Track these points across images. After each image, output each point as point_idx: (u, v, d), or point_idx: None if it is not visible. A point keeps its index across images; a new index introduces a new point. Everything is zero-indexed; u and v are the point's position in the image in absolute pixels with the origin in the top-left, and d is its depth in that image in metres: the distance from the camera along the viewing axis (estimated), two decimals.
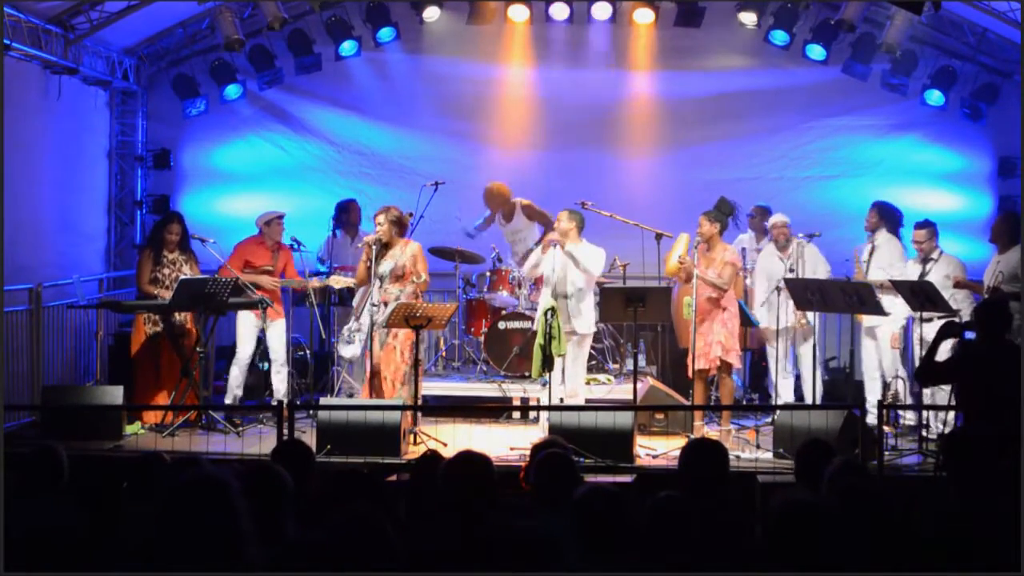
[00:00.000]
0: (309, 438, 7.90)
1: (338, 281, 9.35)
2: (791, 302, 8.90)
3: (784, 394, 9.37)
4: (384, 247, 8.81)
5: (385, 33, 11.38)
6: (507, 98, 11.82)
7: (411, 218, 10.10)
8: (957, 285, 8.85)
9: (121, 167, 11.84)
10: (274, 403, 8.99)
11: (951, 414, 8.08)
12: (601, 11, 11.11)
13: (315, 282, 9.41)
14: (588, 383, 9.51)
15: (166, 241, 9.09)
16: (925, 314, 8.46)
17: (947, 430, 8.13)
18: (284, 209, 9.83)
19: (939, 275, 8.80)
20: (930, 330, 7.67)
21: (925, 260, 9.00)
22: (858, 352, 9.31)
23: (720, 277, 8.66)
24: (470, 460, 4.37)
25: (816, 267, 9.28)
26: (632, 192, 11.35)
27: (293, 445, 5.14)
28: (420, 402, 8.70)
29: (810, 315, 9.16)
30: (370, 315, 8.67)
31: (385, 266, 8.77)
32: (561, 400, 8.55)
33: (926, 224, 9.09)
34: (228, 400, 9.33)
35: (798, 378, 9.66)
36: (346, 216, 10.66)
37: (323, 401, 8.76)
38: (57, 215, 10.65)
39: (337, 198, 11.01)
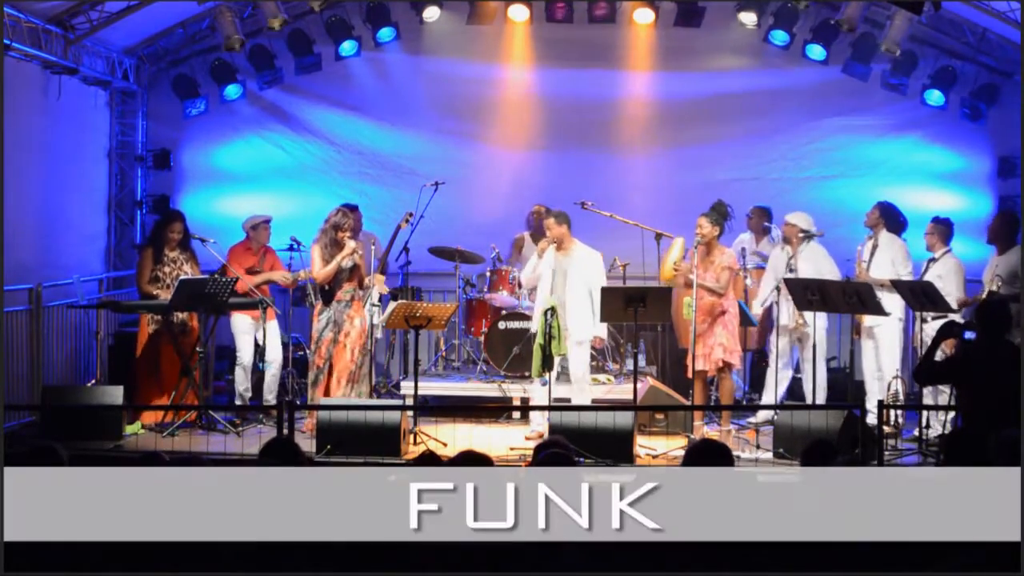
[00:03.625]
0: (309, 438, 7.91)
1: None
2: (791, 301, 8.89)
3: (770, 394, 9.35)
4: None
5: (385, 33, 11.38)
6: (507, 98, 11.81)
7: (411, 218, 10.12)
8: (961, 305, 8.81)
9: (121, 167, 11.83)
10: (266, 402, 9.06)
11: (949, 414, 8.09)
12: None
13: (302, 273, 9.30)
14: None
15: (168, 239, 9.07)
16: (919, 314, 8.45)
17: (946, 430, 8.14)
18: (284, 209, 9.84)
19: (932, 275, 8.78)
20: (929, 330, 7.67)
21: (929, 259, 9.00)
22: (858, 352, 9.30)
23: (717, 282, 8.63)
24: (470, 460, 4.36)
25: (819, 266, 9.18)
26: (632, 192, 11.34)
27: (281, 443, 5.07)
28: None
29: (808, 315, 9.13)
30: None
31: None
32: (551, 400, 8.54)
33: (935, 220, 9.09)
34: (238, 402, 9.31)
35: (796, 378, 9.65)
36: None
37: (323, 401, 8.76)
38: (57, 215, 10.63)
39: (337, 198, 10.95)
